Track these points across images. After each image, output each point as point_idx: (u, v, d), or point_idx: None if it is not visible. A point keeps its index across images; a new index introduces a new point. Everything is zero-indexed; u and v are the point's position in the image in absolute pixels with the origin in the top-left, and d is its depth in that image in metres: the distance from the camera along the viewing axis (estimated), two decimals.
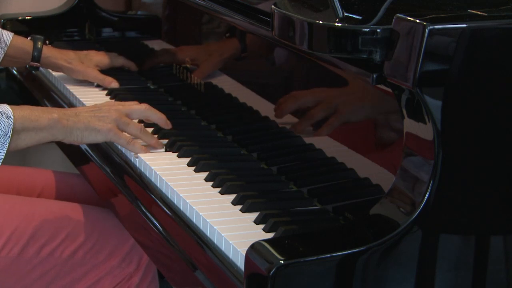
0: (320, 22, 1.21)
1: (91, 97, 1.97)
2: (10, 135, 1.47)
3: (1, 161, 1.48)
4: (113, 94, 1.99)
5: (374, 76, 1.21)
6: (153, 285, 1.82)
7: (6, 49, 2.00)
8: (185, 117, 1.87)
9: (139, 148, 1.64)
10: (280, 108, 1.55)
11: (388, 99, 1.24)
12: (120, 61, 2.15)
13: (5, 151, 1.48)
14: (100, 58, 2.13)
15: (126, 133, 1.63)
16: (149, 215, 1.51)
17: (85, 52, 2.14)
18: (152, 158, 1.61)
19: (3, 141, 1.47)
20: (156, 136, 1.70)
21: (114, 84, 2.04)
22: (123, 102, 1.69)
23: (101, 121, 1.60)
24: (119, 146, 1.70)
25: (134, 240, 1.68)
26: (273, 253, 1.12)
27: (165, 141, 1.69)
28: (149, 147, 1.66)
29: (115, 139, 1.62)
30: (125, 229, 1.68)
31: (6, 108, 1.50)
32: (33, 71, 2.15)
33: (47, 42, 2.10)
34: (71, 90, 2.01)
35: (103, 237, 1.76)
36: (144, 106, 1.68)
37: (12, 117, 1.48)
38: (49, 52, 2.06)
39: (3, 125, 1.47)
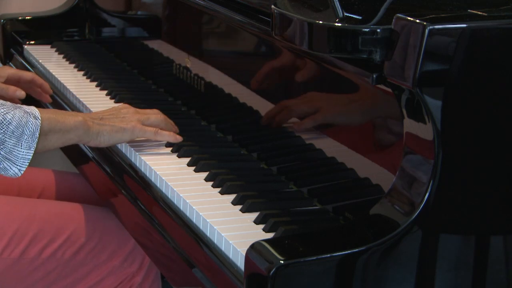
0: (320, 22, 1.21)
1: (91, 97, 1.97)
2: (38, 136, 1.48)
3: (29, 161, 1.48)
4: (113, 94, 1.99)
5: (374, 76, 1.21)
6: (156, 285, 1.82)
7: None
8: (185, 117, 1.87)
9: (168, 136, 1.65)
10: (276, 120, 1.56)
11: (388, 99, 1.24)
12: (28, 74, 1.97)
13: (33, 151, 1.48)
14: (3, 69, 1.97)
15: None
16: (149, 215, 1.51)
17: None
18: (152, 158, 1.61)
19: (30, 141, 1.47)
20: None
21: (18, 92, 1.90)
22: (140, 110, 1.69)
23: (124, 121, 1.62)
24: (118, 146, 1.70)
25: None
26: (273, 253, 1.12)
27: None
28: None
29: (141, 134, 1.63)
30: (126, 229, 1.68)
31: (33, 109, 1.51)
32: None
33: None
34: (71, 90, 2.01)
35: (105, 237, 1.76)
36: (162, 117, 1.68)
37: (40, 118, 1.50)
38: None
39: (31, 125, 1.47)
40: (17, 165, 1.47)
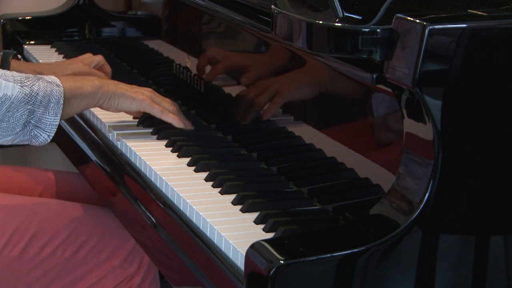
0: (320, 22, 1.21)
1: None
2: (63, 102, 1.55)
3: (56, 127, 1.55)
4: None
5: (374, 76, 1.21)
6: (154, 286, 1.82)
7: None
8: (185, 117, 1.87)
9: (172, 119, 1.70)
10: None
11: (389, 98, 1.24)
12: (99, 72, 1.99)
13: (59, 118, 1.55)
14: (76, 66, 1.99)
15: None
16: (149, 215, 1.51)
17: (58, 62, 2.05)
18: (152, 158, 1.61)
19: (56, 108, 1.55)
20: (156, 135, 1.72)
21: None
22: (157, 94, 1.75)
23: (137, 93, 1.69)
24: (118, 146, 1.70)
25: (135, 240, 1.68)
26: (273, 253, 1.12)
27: (165, 141, 1.69)
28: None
29: (148, 109, 1.69)
30: (125, 228, 1.68)
31: (54, 78, 1.58)
32: None
33: (19, 57, 2.06)
34: None
35: (105, 236, 1.76)
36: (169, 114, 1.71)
37: (62, 86, 1.57)
38: (17, 65, 1.99)
39: (55, 93, 1.55)
40: (46, 131, 1.54)
